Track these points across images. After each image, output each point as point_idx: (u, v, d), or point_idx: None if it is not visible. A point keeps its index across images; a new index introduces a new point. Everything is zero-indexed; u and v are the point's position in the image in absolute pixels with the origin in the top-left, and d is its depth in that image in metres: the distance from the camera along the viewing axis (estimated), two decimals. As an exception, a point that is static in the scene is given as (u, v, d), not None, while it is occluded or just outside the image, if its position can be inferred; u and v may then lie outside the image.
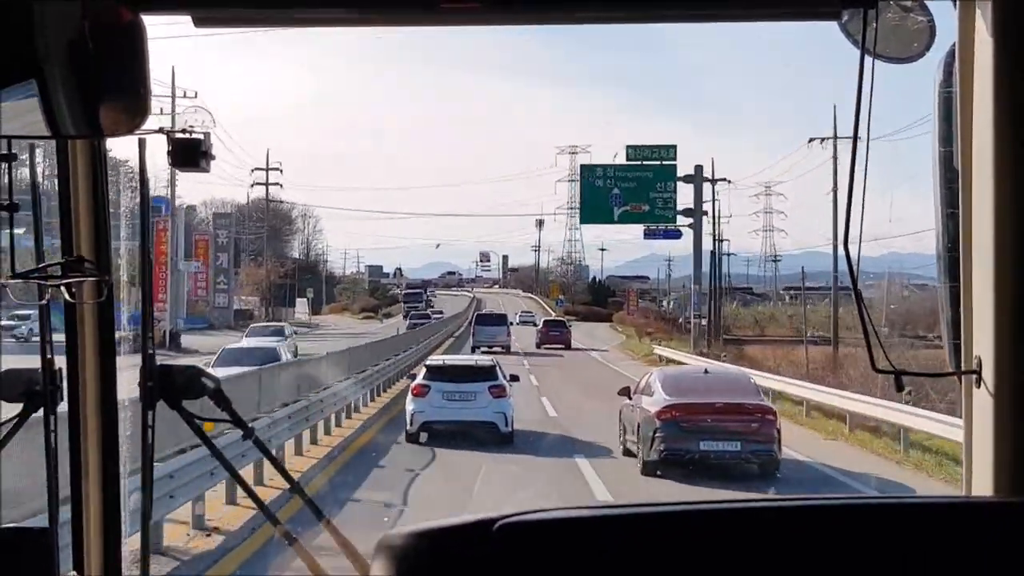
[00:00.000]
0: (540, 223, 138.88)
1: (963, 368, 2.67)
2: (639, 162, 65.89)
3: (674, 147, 67.16)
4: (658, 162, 65.92)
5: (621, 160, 65.68)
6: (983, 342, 2.59)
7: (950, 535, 1.90)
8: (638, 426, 22.67)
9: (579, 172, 68.55)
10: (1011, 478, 2.56)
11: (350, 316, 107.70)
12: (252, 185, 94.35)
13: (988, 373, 2.58)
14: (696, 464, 21.48)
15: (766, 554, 1.86)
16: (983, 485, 2.61)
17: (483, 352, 46.72)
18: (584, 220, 69.83)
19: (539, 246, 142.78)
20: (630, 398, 24.31)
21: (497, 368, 27.10)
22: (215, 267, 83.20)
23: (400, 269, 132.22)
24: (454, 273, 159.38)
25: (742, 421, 21.97)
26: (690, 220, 67.05)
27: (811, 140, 66.07)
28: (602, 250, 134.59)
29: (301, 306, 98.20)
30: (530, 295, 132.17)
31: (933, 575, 1.86)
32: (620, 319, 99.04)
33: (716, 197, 70.70)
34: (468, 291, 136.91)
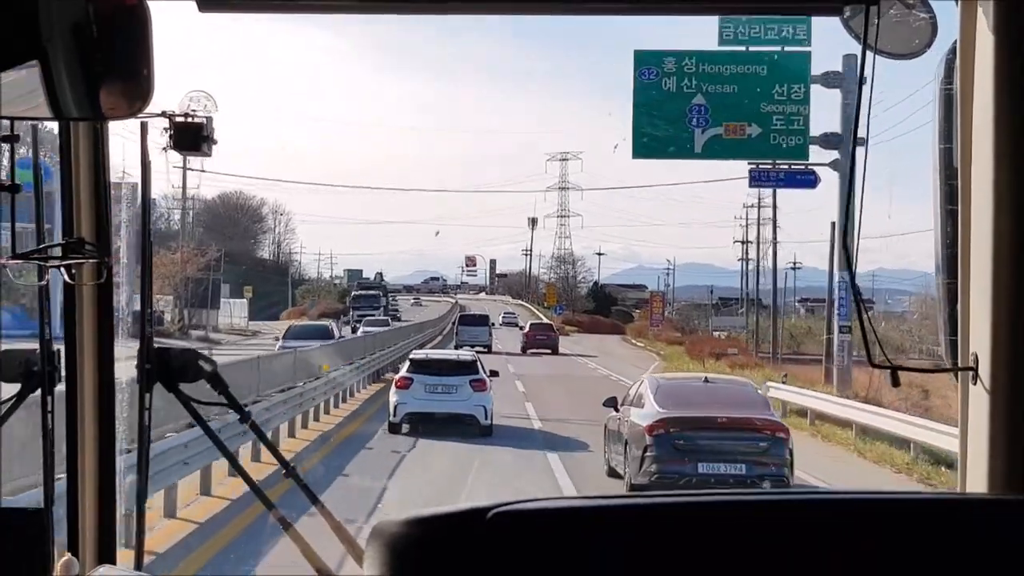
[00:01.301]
0: (533, 221, 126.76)
1: (960, 364, 2.68)
2: (742, 48, 37.18)
3: (806, 23, 35.81)
4: (778, 48, 37.17)
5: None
6: (980, 339, 2.60)
7: (944, 531, 1.90)
8: (625, 443, 19.34)
9: (632, 65, 37.29)
10: (1006, 475, 2.57)
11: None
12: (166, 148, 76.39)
13: (985, 370, 2.59)
14: (694, 489, 17.96)
15: (760, 547, 1.87)
16: (978, 481, 2.62)
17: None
18: (640, 152, 37.71)
19: (531, 248, 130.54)
20: (617, 410, 20.97)
21: (478, 363, 28.05)
22: (105, 256, 65.54)
23: (381, 273, 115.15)
24: (437, 279, 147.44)
25: (749, 440, 18.59)
26: (833, 155, 38.16)
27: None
28: (599, 255, 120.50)
29: (239, 308, 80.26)
30: (520, 302, 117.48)
31: (926, 571, 1.87)
32: (638, 331, 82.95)
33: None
34: (451, 298, 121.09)
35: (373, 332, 51.12)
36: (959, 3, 2.63)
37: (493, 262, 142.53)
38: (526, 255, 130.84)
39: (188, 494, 16.40)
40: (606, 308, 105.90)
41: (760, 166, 40.74)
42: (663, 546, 1.85)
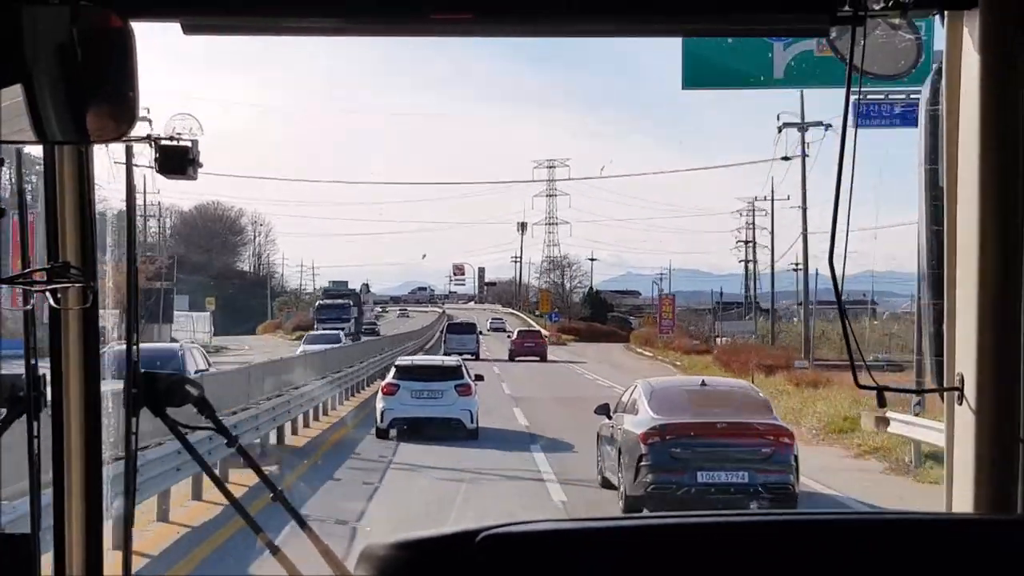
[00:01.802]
0: (523, 226, 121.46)
1: (946, 385, 2.68)
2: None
3: None
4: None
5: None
6: (966, 359, 2.61)
7: (930, 551, 1.91)
8: (619, 452, 18.10)
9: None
10: (991, 495, 2.58)
11: (282, 335, 77.97)
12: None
13: (970, 390, 2.59)
14: (692, 500, 16.80)
15: (747, 568, 1.87)
16: (964, 501, 2.62)
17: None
18: (693, 81, 28.82)
19: (521, 253, 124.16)
20: (610, 417, 19.68)
21: (463, 368, 28.41)
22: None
23: (367, 285, 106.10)
24: (425, 289, 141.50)
25: (751, 446, 17.29)
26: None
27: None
28: (592, 260, 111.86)
29: (202, 322, 71.62)
30: (511, 310, 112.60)
31: None
32: (644, 339, 73.88)
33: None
34: (439, 307, 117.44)
35: (317, 351, 37.06)
36: (944, 25, 2.65)
37: (482, 270, 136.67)
38: (515, 262, 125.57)
39: (143, 521, 15.38)
40: (602, 315, 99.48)
41: (868, 96, 29.88)
42: (651, 568, 1.85)
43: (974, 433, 2.59)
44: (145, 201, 72.72)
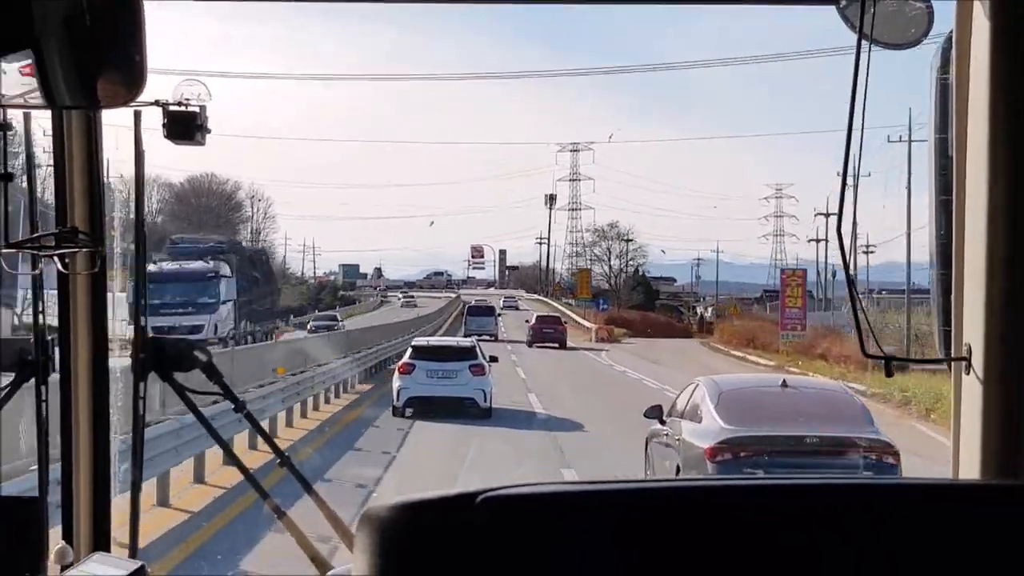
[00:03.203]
0: (551, 199, 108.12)
1: (953, 355, 2.69)
2: None
3: None
4: None
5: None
6: (973, 329, 2.62)
7: (937, 517, 1.91)
8: (677, 468, 14.71)
9: None
10: (998, 462, 2.60)
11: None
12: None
13: (978, 360, 2.60)
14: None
15: (750, 532, 1.87)
16: (971, 469, 2.64)
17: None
18: None
19: (549, 230, 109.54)
20: (663, 422, 16.07)
21: (477, 348, 29.47)
22: None
23: (380, 268, 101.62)
24: (441, 274, 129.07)
25: (849, 466, 13.86)
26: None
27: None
28: (627, 240, 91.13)
29: (121, 308, 32.03)
30: (539, 297, 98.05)
31: (920, 556, 1.88)
32: (741, 336, 56.20)
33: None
34: (453, 292, 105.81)
35: None
36: None
37: (503, 252, 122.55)
38: (541, 243, 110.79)
39: (182, 482, 16.61)
40: (651, 302, 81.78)
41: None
42: (649, 530, 1.86)
43: (981, 402, 2.60)
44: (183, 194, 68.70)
